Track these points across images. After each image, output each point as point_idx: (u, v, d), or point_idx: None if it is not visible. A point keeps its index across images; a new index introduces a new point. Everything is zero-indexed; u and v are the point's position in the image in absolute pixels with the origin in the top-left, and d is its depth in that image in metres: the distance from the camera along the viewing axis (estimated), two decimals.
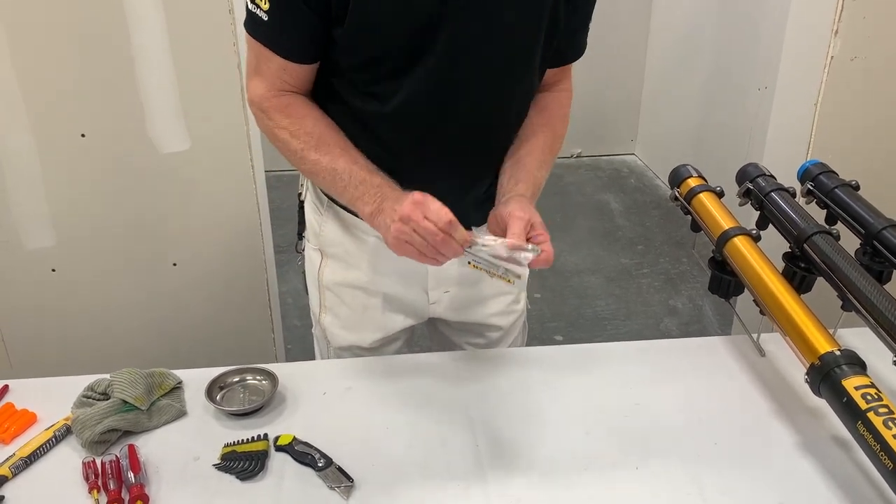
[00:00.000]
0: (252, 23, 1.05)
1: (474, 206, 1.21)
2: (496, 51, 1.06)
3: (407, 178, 1.15)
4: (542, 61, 1.15)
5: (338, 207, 1.24)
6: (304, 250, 1.36)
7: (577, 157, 4.56)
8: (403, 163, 1.14)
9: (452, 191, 1.18)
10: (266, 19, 1.03)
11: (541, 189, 1.16)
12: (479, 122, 1.13)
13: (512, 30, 1.06)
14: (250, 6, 1.04)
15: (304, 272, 1.37)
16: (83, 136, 1.72)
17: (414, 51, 1.03)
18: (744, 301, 1.33)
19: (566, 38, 1.16)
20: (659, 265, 3.33)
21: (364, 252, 1.25)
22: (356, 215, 1.21)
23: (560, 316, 2.95)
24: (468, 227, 1.22)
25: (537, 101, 1.23)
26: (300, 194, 1.34)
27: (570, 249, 3.44)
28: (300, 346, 2.70)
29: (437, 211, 0.95)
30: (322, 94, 1.15)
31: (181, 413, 1.15)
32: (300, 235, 1.37)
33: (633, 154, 4.63)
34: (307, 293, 1.37)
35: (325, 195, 1.24)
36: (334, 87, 1.12)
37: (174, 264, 1.89)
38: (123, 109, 1.70)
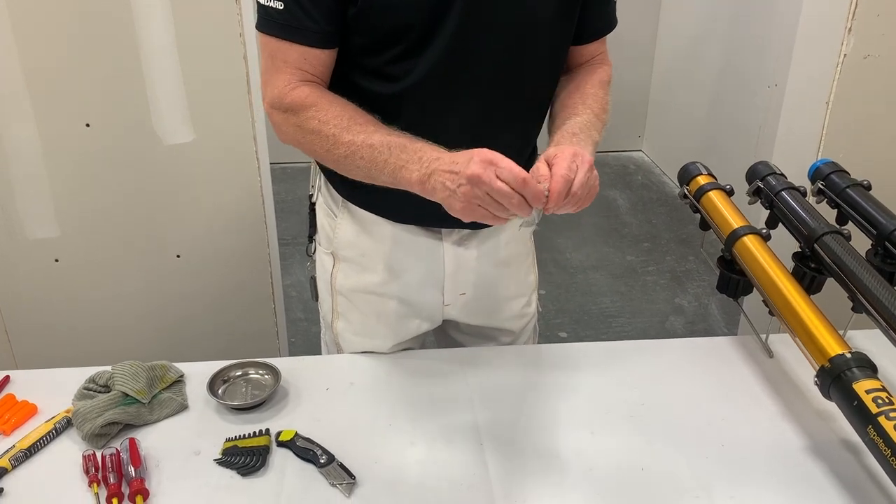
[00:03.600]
0: (266, 19, 1.03)
1: None
2: (510, 23, 1.04)
3: None
4: (563, 34, 1.12)
5: (353, 206, 1.21)
6: (314, 254, 1.33)
7: None
8: None
9: None
10: (282, 8, 1.01)
11: (580, 126, 1.08)
12: (498, 98, 1.10)
13: (524, 2, 1.04)
14: (262, 1, 1.02)
15: (313, 277, 1.34)
16: (88, 125, 1.71)
17: (426, 28, 1.02)
18: (751, 301, 1.31)
19: (592, 12, 1.15)
20: (665, 263, 3.32)
21: (379, 253, 1.22)
22: (374, 212, 1.19)
23: (565, 312, 2.94)
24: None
25: (566, 78, 1.21)
26: (311, 196, 1.31)
27: (576, 246, 3.43)
28: (303, 338, 2.70)
29: (511, 169, 0.88)
30: (332, 82, 1.13)
31: (182, 407, 1.14)
32: (310, 238, 1.33)
33: (641, 150, 4.61)
34: (316, 298, 1.34)
35: (340, 194, 1.22)
36: (345, 71, 1.10)
37: (177, 256, 1.88)
38: (128, 100, 1.69)
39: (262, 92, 1.08)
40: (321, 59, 1.06)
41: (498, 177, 0.88)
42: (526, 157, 1.22)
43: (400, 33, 1.03)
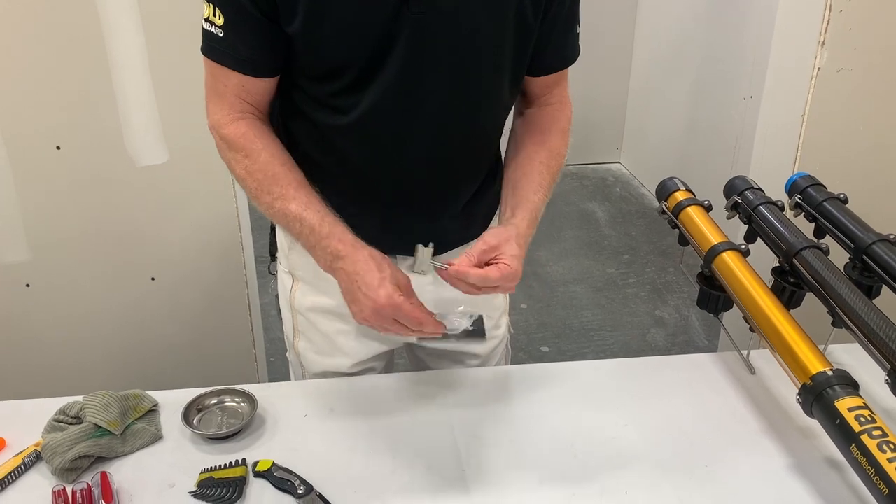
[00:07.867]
0: (208, 43, 1.02)
1: (451, 221, 1.18)
2: (457, 60, 1.02)
3: (377, 196, 1.13)
4: (514, 69, 1.09)
5: None
6: (276, 272, 1.31)
7: None
8: (371, 178, 1.11)
9: (426, 206, 1.16)
10: (222, 35, 1.00)
11: (539, 212, 1.13)
12: (446, 134, 1.09)
13: (473, 37, 1.02)
14: (205, 25, 1.01)
15: (276, 295, 1.32)
16: (58, 148, 1.68)
17: (371, 63, 1.00)
18: (732, 316, 1.31)
19: (547, 45, 1.11)
20: (645, 275, 3.32)
21: None
22: None
23: (546, 326, 2.93)
24: (446, 245, 1.17)
25: (528, 119, 1.19)
26: None
27: (556, 259, 3.43)
28: (282, 357, 2.65)
29: (407, 318, 0.99)
30: (284, 110, 1.12)
31: (156, 437, 1.11)
32: (273, 256, 1.32)
33: (619, 163, 4.63)
34: (280, 317, 1.33)
35: None
36: (295, 101, 1.09)
37: (152, 278, 1.85)
38: (100, 121, 1.67)
39: (206, 109, 1.09)
40: (260, 86, 1.06)
41: (396, 320, 1.00)
42: (485, 172, 1.21)
43: (340, 69, 1.01)
